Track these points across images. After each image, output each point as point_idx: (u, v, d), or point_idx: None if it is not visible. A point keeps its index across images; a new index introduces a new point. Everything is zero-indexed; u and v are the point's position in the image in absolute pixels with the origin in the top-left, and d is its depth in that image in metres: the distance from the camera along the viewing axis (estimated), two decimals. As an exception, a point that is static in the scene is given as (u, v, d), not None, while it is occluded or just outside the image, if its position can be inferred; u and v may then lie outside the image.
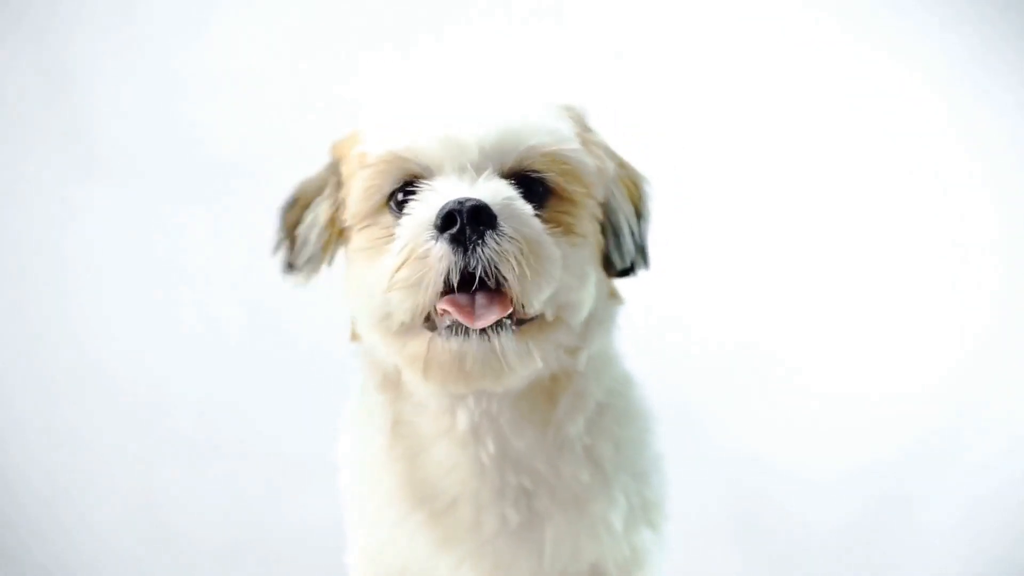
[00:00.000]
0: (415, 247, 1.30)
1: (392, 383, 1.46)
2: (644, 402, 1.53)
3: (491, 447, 1.42)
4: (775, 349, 2.57)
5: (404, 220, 1.33)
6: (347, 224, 1.43)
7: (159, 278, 2.61)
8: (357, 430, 1.53)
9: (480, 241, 1.28)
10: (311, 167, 1.52)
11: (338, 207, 1.45)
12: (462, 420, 1.42)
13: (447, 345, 1.31)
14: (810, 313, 2.58)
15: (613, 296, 1.48)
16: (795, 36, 2.56)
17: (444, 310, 1.30)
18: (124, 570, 2.54)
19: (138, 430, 2.58)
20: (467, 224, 1.27)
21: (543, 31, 2.57)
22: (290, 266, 1.49)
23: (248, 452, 2.53)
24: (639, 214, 1.49)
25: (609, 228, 1.44)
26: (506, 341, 1.30)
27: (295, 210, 1.49)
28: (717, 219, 2.58)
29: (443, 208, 1.28)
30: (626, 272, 1.47)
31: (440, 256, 1.28)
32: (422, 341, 1.33)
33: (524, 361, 1.32)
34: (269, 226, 1.51)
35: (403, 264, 1.30)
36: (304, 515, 2.57)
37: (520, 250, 1.29)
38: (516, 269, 1.28)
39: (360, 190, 1.39)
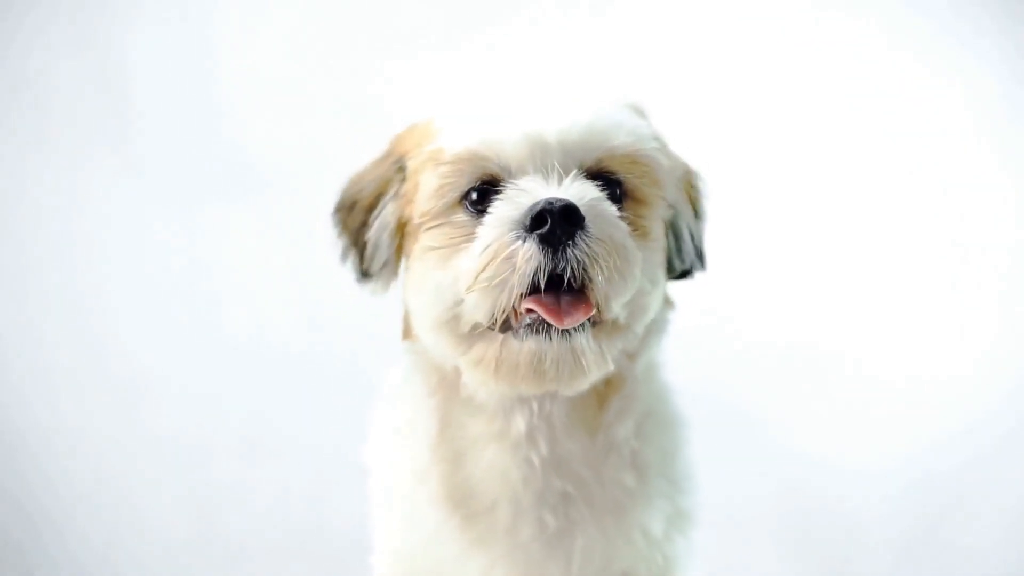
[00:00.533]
0: (501, 247, 1.27)
1: (449, 384, 1.44)
2: (681, 410, 1.53)
3: (544, 450, 1.41)
4: (828, 347, 2.56)
5: (487, 219, 1.30)
6: (415, 223, 1.39)
7: (201, 278, 2.61)
8: (398, 431, 1.50)
9: (571, 242, 1.26)
10: (347, 167, 1.50)
11: (406, 206, 1.41)
12: (519, 423, 1.40)
13: (524, 345, 1.29)
14: (862, 309, 2.57)
15: (667, 302, 1.48)
16: (839, 37, 2.58)
17: (529, 309, 1.28)
18: (173, 569, 2.51)
19: (188, 430, 2.57)
20: (558, 224, 1.25)
21: (581, 28, 2.52)
22: (365, 274, 1.45)
23: (298, 451, 2.50)
24: (696, 214, 1.48)
25: (671, 230, 1.44)
26: (586, 342, 1.29)
27: (356, 213, 1.45)
28: (767, 218, 2.58)
29: (533, 207, 1.27)
30: (684, 274, 1.47)
31: (529, 256, 1.26)
32: (493, 342, 1.31)
33: (600, 363, 1.31)
34: (310, 227, 1.50)
35: (488, 264, 1.27)
36: (353, 514, 2.58)
37: (607, 252, 1.27)
38: (604, 271, 1.27)
39: (433, 188, 1.36)
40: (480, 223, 1.32)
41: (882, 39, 2.56)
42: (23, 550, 2.54)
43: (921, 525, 2.49)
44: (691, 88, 2.55)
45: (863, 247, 2.57)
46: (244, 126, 2.59)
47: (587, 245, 1.26)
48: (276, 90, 2.59)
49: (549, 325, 1.27)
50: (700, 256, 1.48)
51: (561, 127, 1.33)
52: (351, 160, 1.52)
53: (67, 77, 2.59)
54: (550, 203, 1.26)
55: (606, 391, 1.43)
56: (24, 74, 2.59)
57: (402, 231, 1.43)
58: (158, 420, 2.58)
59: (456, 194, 1.35)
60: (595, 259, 1.27)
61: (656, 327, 1.43)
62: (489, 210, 1.31)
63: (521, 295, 1.27)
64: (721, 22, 2.58)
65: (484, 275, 1.27)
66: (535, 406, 1.39)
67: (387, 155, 1.46)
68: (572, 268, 1.26)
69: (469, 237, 1.32)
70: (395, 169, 1.43)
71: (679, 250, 1.44)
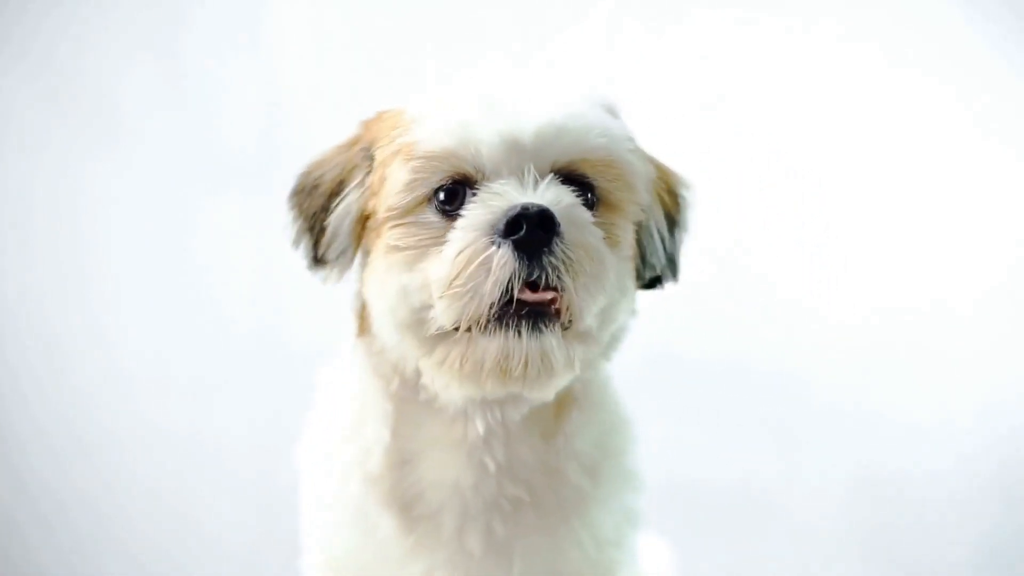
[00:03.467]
0: (475, 252, 1.24)
1: (409, 386, 1.39)
2: (626, 410, 1.52)
3: (500, 456, 1.38)
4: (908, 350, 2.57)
5: (460, 223, 1.26)
6: (380, 216, 1.34)
7: (198, 273, 2.60)
8: (344, 432, 1.45)
9: (546, 249, 1.23)
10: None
11: (371, 198, 1.36)
12: (478, 427, 1.36)
13: (492, 343, 1.25)
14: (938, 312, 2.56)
15: (634, 312, 1.44)
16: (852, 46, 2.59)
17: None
18: (235, 569, 2.51)
19: (255, 430, 2.58)
20: (533, 231, 1.23)
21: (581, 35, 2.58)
22: (319, 260, 1.40)
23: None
24: (675, 223, 1.45)
25: (641, 236, 1.40)
26: (556, 341, 1.26)
27: (316, 197, 1.39)
28: (831, 210, 2.59)
29: (509, 212, 1.23)
30: (653, 284, 1.44)
31: (503, 263, 1.23)
32: (459, 342, 1.27)
33: (567, 366, 1.28)
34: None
35: (462, 270, 1.24)
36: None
37: (582, 259, 1.25)
38: (579, 279, 1.24)
39: (402, 183, 1.31)
40: (450, 226, 1.27)
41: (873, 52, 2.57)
42: (25, 547, 2.56)
43: (1003, 530, 2.50)
44: (695, 87, 2.57)
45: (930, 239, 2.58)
46: (243, 118, 2.59)
47: (563, 252, 1.24)
48: (279, 84, 2.61)
49: (518, 321, 1.24)
50: (673, 266, 1.45)
51: (537, 129, 1.28)
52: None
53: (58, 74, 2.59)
54: (526, 208, 1.23)
55: (564, 397, 1.40)
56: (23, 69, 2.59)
57: (364, 222, 1.37)
58: (150, 415, 2.57)
59: (425, 191, 1.31)
60: (570, 266, 1.24)
61: (620, 336, 1.41)
62: (461, 212, 1.27)
63: (494, 304, 1.23)
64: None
65: (457, 281, 1.24)
66: (497, 412, 1.36)
67: (354, 141, 1.41)
68: (547, 275, 1.23)
69: (438, 240, 1.28)
70: (362, 156, 1.38)
71: (647, 257, 1.41)
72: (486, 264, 1.24)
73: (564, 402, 1.41)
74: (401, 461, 1.41)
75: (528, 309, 1.25)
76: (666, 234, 1.43)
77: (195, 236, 2.62)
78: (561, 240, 1.25)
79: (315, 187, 1.40)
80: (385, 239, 1.33)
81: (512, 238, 1.23)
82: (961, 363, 2.54)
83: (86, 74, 2.60)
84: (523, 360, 1.25)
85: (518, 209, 1.23)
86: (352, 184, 1.38)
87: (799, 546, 2.56)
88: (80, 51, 2.59)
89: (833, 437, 2.57)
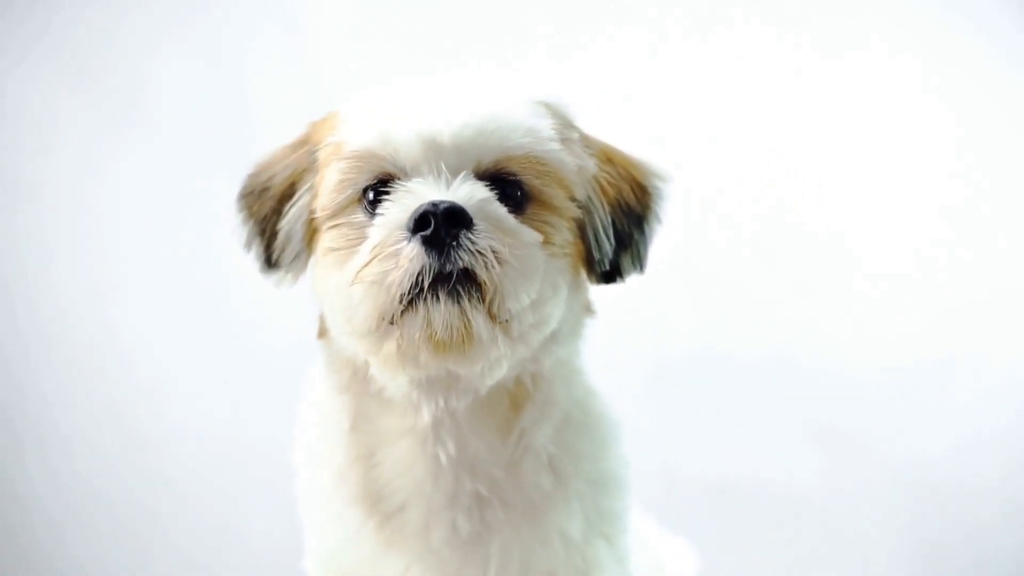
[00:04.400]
0: (384, 247, 1.27)
1: (361, 379, 1.42)
2: (605, 412, 1.50)
3: (451, 448, 1.39)
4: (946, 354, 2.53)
5: (376, 220, 1.30)
6: (318, 217, 1.38)
7: (212, 260, 2.57)
8: (316, 431, 1.49)
9: (455, 243, 1.25)
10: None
11: (314, 199, 1.39)
12: (425, 415, 1.38)
13: (417, 317, 1.27)
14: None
15: (587, 309, 1.46)
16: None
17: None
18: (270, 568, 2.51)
19: (200, 414, 2.59)
20: (441, 226, 1.25)
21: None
22: (271, 264, 1.43)
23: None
24: (640, 216, 1.44)
25: (588, 230, 1.40)
26: (476, 308, 1.27)
27: (266, 200, 1.43)
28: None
29: (417, 210, 1.26)
30: (610, 277, 1.44)
31: (412, 257, 1.26)
32: (392, 335, 1.29)
33: (491, 338, 1.29)
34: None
35: (371, 262, 1.27)
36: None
37: (498, 249, 1.26)
38: (495, 269, 1.26)
39: (333, 183, 1.35)
40: (373, 224, 1.31)
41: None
42: (34, 549, 2.58)
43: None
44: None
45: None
46: (276, 103, 2.56)
47: (473, 244, 1.26)
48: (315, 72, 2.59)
49: (435, 289, 1.26)
50: (639, 257, 1.44)
51: (455, 128, 1.31)
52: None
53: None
54: (434, 205, 1.25)
55: (517, 392, 1.41)
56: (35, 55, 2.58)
57: (312, 224, 1.41)
58: (170, 405, 2.59)
59: (354, 191, 1.34)
60: (484, 260, 1.26)
61: (570, 332, 1.42)
62: (378, 211, 1.30)
63: (403, 297, 1.26)
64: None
65: (365, 271, 1.27)
66: (440, 400, 1.37)
67: (302, 142, 1.44)
68: (460, 269, 1.25)
69: (364, 239, 1.31)
70: (310, 159, 1.41)
71: (592, 251, 1.40)
72: (394, 258, 1.27)
73: (518, 397, 1.42)
74: (362, 456, 1.44)
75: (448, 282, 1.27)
76: (624, 228, 1.43)
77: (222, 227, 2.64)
78: (472, 235, 1.26)
79: (264, 189, 1.44)
80: (323, 241, 1.37)
81: (421, 234, 1.26)
82: (1012, 368, 2.48)
83: (111, 54, 2.60)
84: (444, 323, 1.27)
85: (426, 206, 1.26)
86: (303, 187, 1.41)
87: (841, 551, 2.50)
88: (106, 29, 2.59)
89: (879, 439, 2.51)
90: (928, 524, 2.49)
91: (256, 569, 2.52)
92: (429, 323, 1.27)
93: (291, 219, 1.41)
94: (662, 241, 2.55)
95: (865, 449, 2.50)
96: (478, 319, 1.27)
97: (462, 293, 1.27)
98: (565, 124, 1.40)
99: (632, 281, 2.34)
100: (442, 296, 1.26)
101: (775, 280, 2.55)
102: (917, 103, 2.55)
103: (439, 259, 1.26)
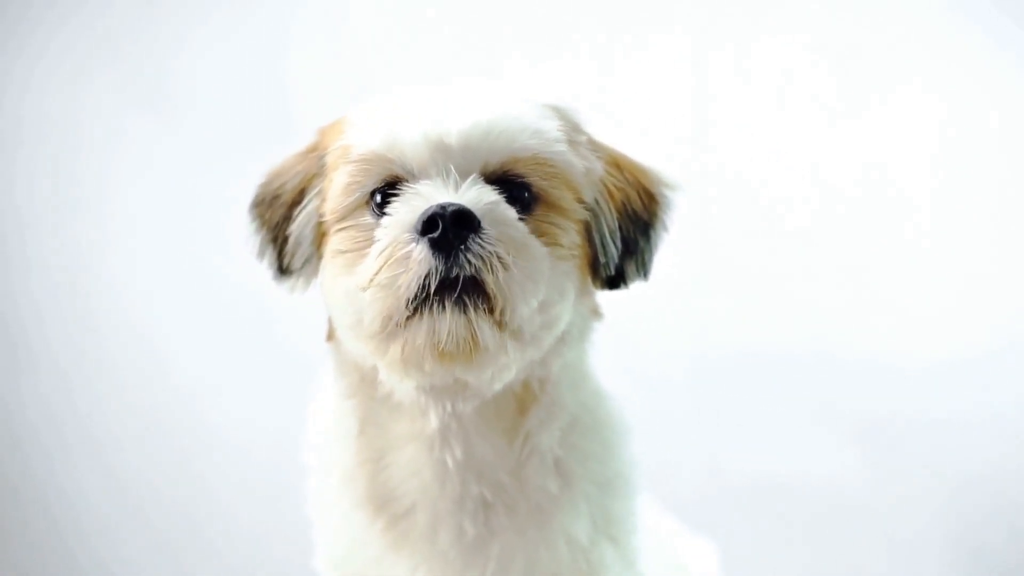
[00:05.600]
0: (395, 250, 1.27)
1: (368, 383, 1.42)
2: (614, 414, 1.50)
3: (458, 452, 1.39)
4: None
5: (384, 222, 1.30)
6: (326, 220, 1.38)
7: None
8: (326, 433, 1.50)
9: (463, 246, 1.25)
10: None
11: (323, 203, 1.40)
12: (433, 420, 1.39)
13: (423, 325, 1.27)
14: None
15: (594, 312, 1.46)
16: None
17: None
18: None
19: (227, 400, 2.59)
20: (449, 229, 1.25)
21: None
22: (284, 271, 1.44)
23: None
24: (646, 222, 1.44)
25: (595, 234, 1.40)
26: (482, 319, 1.27)
27: (277, 207, 1.43)
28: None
29: (425, 212, 1.26)
30: (615, 283, 1.43)
31: (420, 259, 1.25)
32: (399, 339, 1.29)
33: (498, 346, 1.29)
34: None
35: (382, 267, 1.27)
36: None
37: (504, 254, 1.26)
38: (501, 274, 1.26)
39: (341, 186, 1.35)
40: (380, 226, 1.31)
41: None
42: (56, 542, 2.60)
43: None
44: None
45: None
46: (298, 88, 2.55)
47: (481, 247, 1.25)
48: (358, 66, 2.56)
49: (441, 298, 1.25)
50: (644, 266, 1.44)
51: (462, 129, 1.31)
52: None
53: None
54: (442, 207, 1.25)
55: (524, 396, 1.41)
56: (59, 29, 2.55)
57: (321, 228, 1.41)
58: (208, 407, 2.59)
59: (362, 194, 1.35)
60: (490, 262, 1.25)
61: (573, 336, 1.41)
62: (386, 212, 1.30)
63: (411, 300, 1.26)
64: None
65: (377, 277, 1.27)
66: (447, 404, 1.37)
67: (312, 148, 1.45)
68: (467, 272, 1.25)
69: (372, 241, 1.31)
70: (319, 164, 1.42)
71: (598, 256, 1.40)
72: (403, 260, 1.26)
73: (525, 400, 1.42)
74: (370, 459, 1.44)
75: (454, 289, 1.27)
76: (630, 234, 1.42)
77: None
78: (482, 238, 1.26)
79: (276, 197, 1.44)
80: (331, 244, 1.38)
81: (429, 236, 1.26)
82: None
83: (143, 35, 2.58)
84: (450, 333, 1.27)
85: (434, 208, 1.26)
86: (312, 192, 1.42)
87: (885, 550, 2.47)
88: (140, 7, 2.57)
89: (924, 436, 2.48)
90: (975, 524, 2.46)
91: (291, 571, 2.57)
92: (434, 332, 1.27)
93: (300, 223, 1.42)
94: (705, 238, 2.55)
95: (910, 446, 2.47)
96: (484, 329, 1.27)
97: (468, 303, 1.26)
98: (573, 127, 1.41)
99: (674, 278, 2.31)
100: (448, 306, 1.26)
101: (819, 274, 2.52)
102: (966, 90, 2.52)
103: (446, 262, 1.25)
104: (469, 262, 1.25)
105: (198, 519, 2.60)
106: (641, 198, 1.44)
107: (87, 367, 2.63)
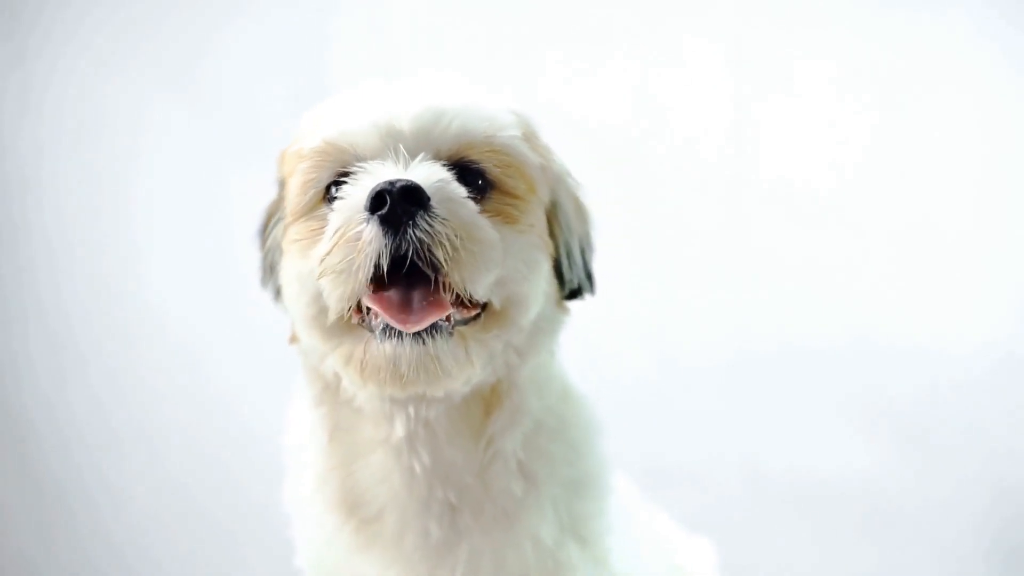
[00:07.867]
0: (346, 230, 1.26)
1: (332, 390, 1.42)
2: (583, 415, 1.48)
3: (425, 458, 1.39)
4: None
5: (335, 204, 1.30)
6: (287, 222, 1.39)
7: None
8: (300, 438, 1.50)
9: (411, 222, 1.24)
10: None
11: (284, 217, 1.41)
12: (399, 428, 1.38)
13: (381, 348, 1.27)
14: None
15: (560, 306, 1.44)
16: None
17: (374, 311, 1.27)
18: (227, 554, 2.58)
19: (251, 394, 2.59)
20: (397, 204, 1.23)
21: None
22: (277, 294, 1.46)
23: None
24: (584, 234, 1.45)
25: (561, 236, 1.40)
26: (441, 345, 1.27)
27: (265, 232, 1.47)
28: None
29: (374, 189, 1.25)
30: (574, 294, 1.43)
31: (370, 239, 1.24)
32: (358, 342, 1.30)
33: (461, 366, 1.29)
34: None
35: (333, 248, 1.27)
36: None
37: (454, 231, 1.25)
38: (450, 251, 1.24)
39: (297, 185, 1.36)
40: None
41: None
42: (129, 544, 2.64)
43: None
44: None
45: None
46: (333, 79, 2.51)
47: (430, 224, 1.24)
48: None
49: (398, 331, 1.25)
50: (589, 277, 1.44)
51: (413, 113, 1.31)
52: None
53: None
54: (390, 183, 1.24)
55: (491, 398, 1.40)
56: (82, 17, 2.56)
57: (286, 233, 1.41)
58: (220, 382, 2.62)
59: (318, 189, 1.35)
60: (439, 239, 1.24)
61: (543, 329, 1.39)
62: (338, 195, 1.30)
63: (368, 281, 1.25)
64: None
65: (329, 260, 1.27)
66: (412, 411, 1.37)
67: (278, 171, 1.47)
68: (416, 249, 1.24)
69: (326, 228, 1.31)
70: (279, 190, 1.44)
71: (563, 270, 1.40)
72: (355, 239, 1.26)
73: (491, 403, 1.41)
74: (342, 464, 1.45)
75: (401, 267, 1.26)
76: (579, 234, 1.43)
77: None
78: (429, 214, 1.25)
79: (265, 224, 1.48)
80: (288, 235, 1.39)
81: (378, 213, 1.24)
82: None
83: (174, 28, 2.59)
84: (412, 365, 1.27)
85: (382, 184, 1.25)
86: (275, 217, 1.45)
87: (926, 554, 2.42)
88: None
89: (972, 444, 2.42)
90: (1016, 524, 2.41)
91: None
92: (396, 362, 1.27)
93: (272, 241, 1.45)
94: (743, 232, 2.49)
95: (951, 444, 2.42)
96: (444, 354, 1.27)
97: (432, 335, 1.26)
98: (529, 128, 1.40)
99: (713, 273, 2.25)
100: (407, 339, 1.26)
101: (859, 269, 2.49)
102: (1004, 89, 2.46)
103: (395, 238, 1.24)
104: (418, 239, 1.24)
105: (235, 522, 2.62)
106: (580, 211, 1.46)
107: (132, 371, 2.67)
